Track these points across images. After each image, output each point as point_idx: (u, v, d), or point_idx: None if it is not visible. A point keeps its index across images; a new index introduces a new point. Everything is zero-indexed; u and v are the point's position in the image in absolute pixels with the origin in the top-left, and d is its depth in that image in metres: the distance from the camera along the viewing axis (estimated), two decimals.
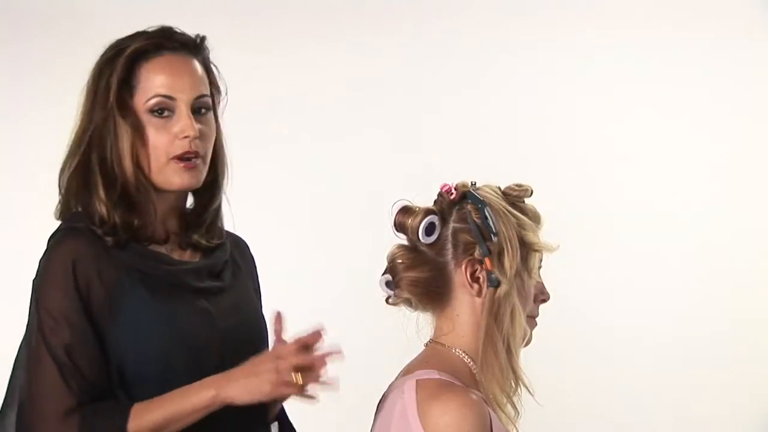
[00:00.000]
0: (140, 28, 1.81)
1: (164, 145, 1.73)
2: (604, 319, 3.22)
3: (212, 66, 1.84)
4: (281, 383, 1.62)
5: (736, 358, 3.20)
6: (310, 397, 1.65)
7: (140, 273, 1.71)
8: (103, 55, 1.78)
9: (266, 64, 3.24)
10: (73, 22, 3.28)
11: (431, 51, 3.31)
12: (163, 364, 1.70)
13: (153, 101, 1.73)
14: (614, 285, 3.23)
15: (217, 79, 1.84)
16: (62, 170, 1.78)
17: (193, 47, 1.80)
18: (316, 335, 1.65)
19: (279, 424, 1.90)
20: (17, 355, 1.77)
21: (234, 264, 1.87)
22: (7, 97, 3.32)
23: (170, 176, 1.74)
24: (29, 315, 1.73)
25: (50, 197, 1.80)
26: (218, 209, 1.86)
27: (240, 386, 1.64)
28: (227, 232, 1.90)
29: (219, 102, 1.84)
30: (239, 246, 1.92)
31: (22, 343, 1.76)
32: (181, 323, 1.72)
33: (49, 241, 1.75)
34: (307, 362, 1.63)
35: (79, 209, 1.75)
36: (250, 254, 1.94)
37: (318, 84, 3.29)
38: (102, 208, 1.72)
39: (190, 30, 1.83)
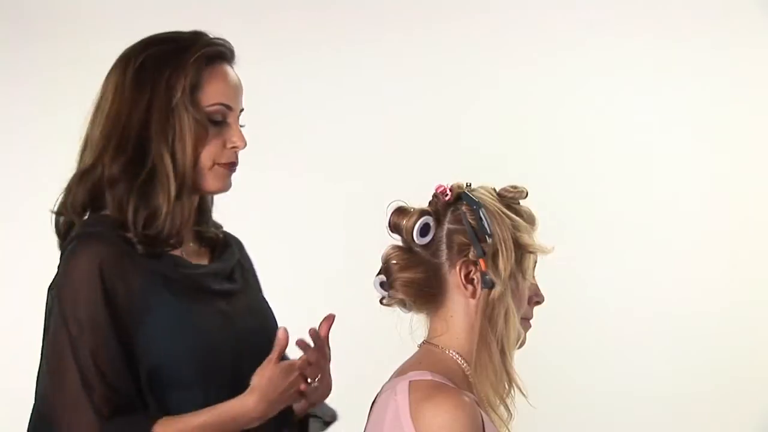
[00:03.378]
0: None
1: (215, 150, 1.74)
2: (598, 321, 3.21)
3: None
4: (299, 394, 1.72)
5: (735, 359, 3.20)
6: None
7: (163, 277, 1.70)
8: (149, 49, 1.74)
9: (269, 64, 3.24)
10: (74, 22, 3.29)
11: (431, 52, 3.31)
12: (192, 367, 1.69)
13: (215, 108, 1.74)
14: (609, 287, 3.22)
15: None
16: (94, 166, 1.72)
17: (233, 59, 1.81)
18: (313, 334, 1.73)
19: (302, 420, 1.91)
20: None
21: (240, 265, 1.87)
22: (7, 98, 3.33)
23: (211, 180, 1.75)
24: (50, 323, 1.69)
25: (52, 199, 1.79)
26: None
27: (276, 405, 1.69)
28: (225, 231, 1.90)
29: None
30: (239, 245, 1.92)
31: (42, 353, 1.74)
32: (205, 325, 1.72)
33: (66, 245, 1.71)
34: (314, 368, 1.74)
35: (104, 211, 1.71)
36: (246, 252, 1.95)
37: (317, 84, 3.30)
38: (164, 207, 1.69)
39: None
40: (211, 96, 1.73)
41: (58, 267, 1.71)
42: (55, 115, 3.02)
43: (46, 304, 1.73)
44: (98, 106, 1.75)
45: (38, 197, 1.87)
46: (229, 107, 1.75)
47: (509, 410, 1.65)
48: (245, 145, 1.76)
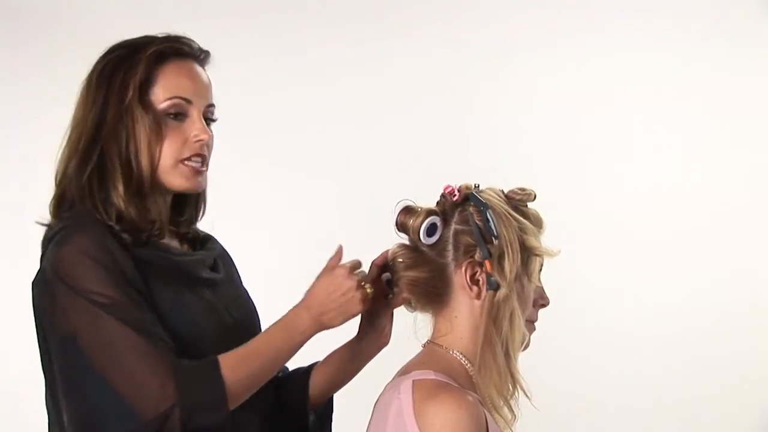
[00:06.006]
0: (141, 29, 1.82)
1: (176, 146, 1.74)
2: (602, 323, 3.22)
3: None
4: (364, 299, 1.67)
5: (736, 361, 3.22)
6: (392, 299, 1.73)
7: (151, 265, 1.70)
8: (111, 54, 1.76)
9: (273, 62, 3.24)
10: (73, 22, 3.30)
11: (434, 50, 3.33)
12: (177, 355, 1.66)
13: (171, 102, 1.73)
14: (613, 289, 3.23)
15: None
16: (65, 167, 1.74)
17: (203, 58, 1.81)
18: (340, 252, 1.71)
19: (319, 414, 1.91)
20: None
21: (221, 257, 1.88)
22: (7, 97, 3.33)
23: (176, 178, 1.75)
24: (54, 317, 1.65)
25: (49, 197, 1.78)
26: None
27: (335, 314, 1.67)
28: (203, 231, 1.92)
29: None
30: (217, 242, 1.93)
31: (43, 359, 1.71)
32: (191, 313, 1.71)
33: (52, 237, 1.68)
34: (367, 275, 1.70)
35: (85, 206, 1.71)
36: (226, 250, 1.94)
37: (323, 83, 3.31)
38: (120, 203, 1.69)
39: (199, 29, 1.84)
40: (164, 91, 1.74)
41: (45, 260, 1.68)
42: (57, 114, 3.02)
43: (33, 301, 1.70)
44: (77, 109, 1.78)
45: (38, 197, 1.86)
46: (187, 101, 1.75)
47: (513, 412, 1.64)
48: (209, 137, 1.76)
